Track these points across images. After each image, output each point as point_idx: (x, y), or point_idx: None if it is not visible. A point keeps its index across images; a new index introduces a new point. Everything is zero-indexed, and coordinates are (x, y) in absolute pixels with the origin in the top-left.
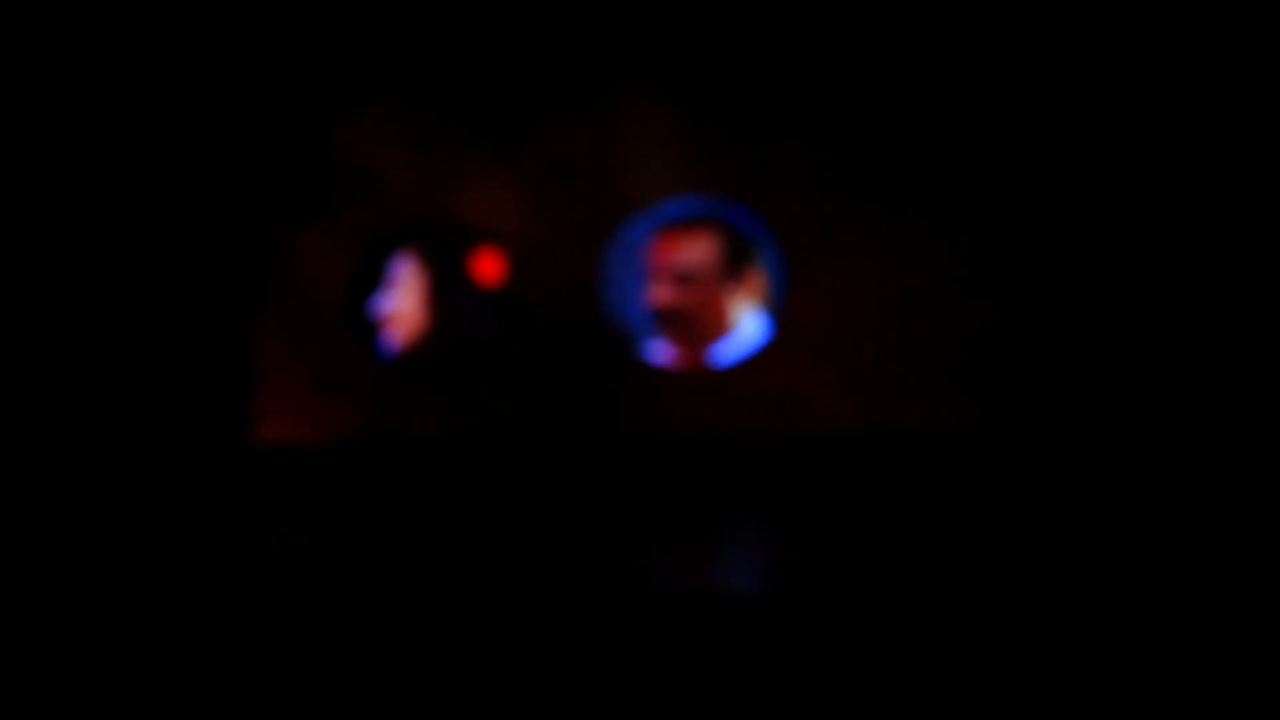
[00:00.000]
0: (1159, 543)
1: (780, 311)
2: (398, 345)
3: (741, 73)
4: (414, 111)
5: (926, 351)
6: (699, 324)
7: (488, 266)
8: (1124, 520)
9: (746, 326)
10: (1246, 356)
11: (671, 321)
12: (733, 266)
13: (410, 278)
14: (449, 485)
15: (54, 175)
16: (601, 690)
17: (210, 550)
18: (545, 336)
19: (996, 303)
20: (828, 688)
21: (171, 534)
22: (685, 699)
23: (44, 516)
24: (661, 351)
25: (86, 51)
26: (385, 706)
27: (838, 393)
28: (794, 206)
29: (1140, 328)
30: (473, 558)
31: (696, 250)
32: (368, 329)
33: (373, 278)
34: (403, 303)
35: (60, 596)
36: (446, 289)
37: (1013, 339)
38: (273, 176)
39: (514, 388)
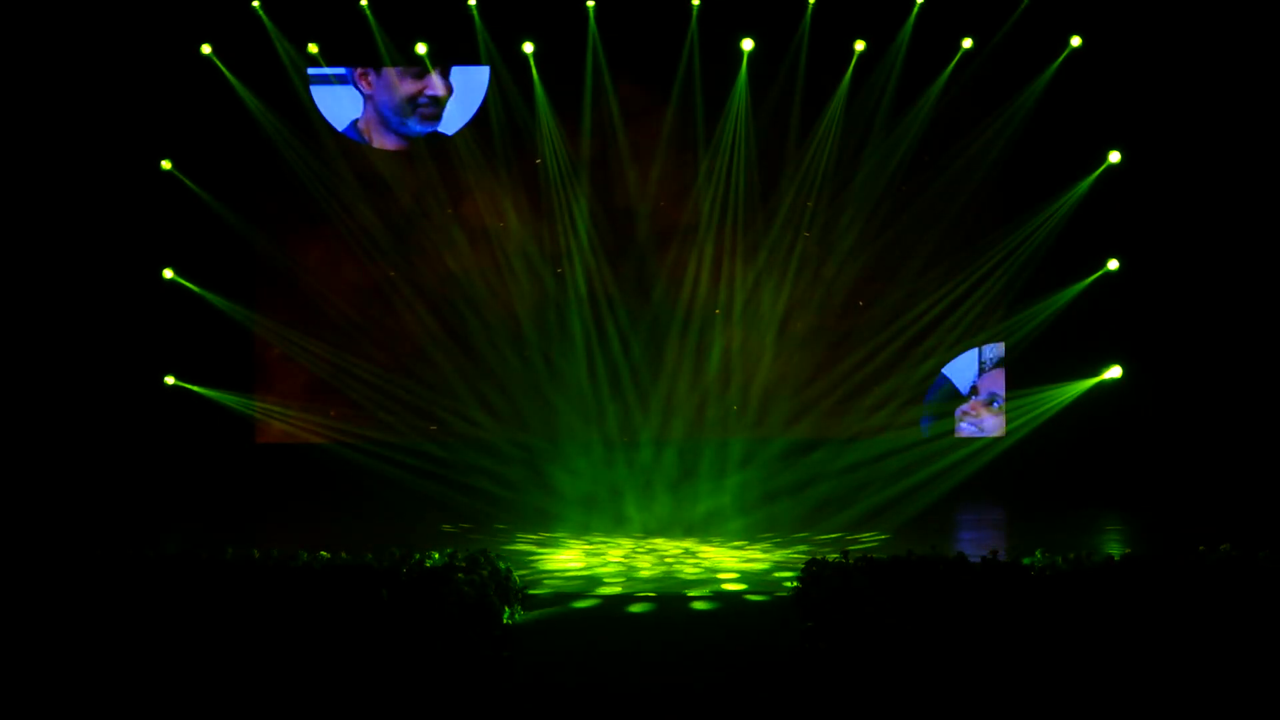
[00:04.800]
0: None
1: None
2: None
3: None
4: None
5: None
6: None
7: None
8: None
9: None
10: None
11: None
12: None
13: None
14: (447, 484)
15: (54, 184)
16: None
17: (216, 540)
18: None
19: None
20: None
21: (184, 521)
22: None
23: (68, 505)
24: None
25: (86, 54)
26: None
27: None
28: None
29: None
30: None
31: None
32: None
33: None
34: None
35: (77, 578)
36: None
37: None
38: (274, 190)
39: (513, 390)
